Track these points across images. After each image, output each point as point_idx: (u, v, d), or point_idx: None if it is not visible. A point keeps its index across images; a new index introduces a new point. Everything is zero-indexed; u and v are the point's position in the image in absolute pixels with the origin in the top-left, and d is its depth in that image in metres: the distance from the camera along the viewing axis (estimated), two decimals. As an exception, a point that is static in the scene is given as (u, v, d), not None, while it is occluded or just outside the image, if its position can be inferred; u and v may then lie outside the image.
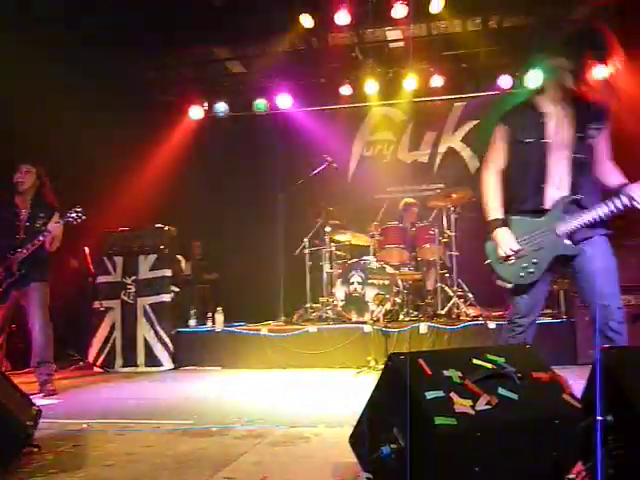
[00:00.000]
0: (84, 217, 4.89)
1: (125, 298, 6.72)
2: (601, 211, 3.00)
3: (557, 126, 3.12)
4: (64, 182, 5.49)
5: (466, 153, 8.83)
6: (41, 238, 4.85)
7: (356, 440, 2.38)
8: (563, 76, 3.06)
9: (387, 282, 6.63)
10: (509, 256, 3.16)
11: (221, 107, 8.91)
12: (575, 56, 3.01)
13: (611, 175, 3.12)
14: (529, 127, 3.15)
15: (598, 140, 3.09)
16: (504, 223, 3.20)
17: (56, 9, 6.58)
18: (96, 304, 6.77)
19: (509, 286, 3.23)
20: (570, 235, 3.08)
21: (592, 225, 3.03)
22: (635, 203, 2.92)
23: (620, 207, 2.96)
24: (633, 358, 2.29)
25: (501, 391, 2.17)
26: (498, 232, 3.18)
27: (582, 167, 3.09)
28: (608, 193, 3.06)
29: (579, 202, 3.08)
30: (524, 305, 3.24)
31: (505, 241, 3.15)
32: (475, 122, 8.81)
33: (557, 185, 3.12)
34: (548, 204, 3.12)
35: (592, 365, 2.25)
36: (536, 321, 3.31)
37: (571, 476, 2.26)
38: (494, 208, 3.23)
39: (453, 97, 8.85)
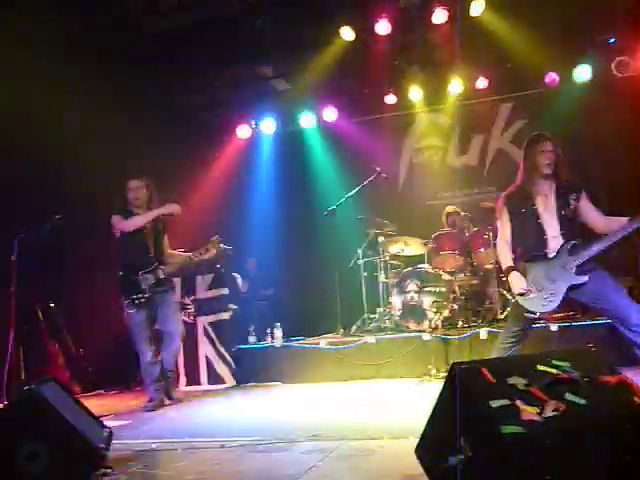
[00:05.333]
0: None
1: (185, 318, 6.85)
2: (602, 245, 3.93)
3: (544, 197, 4.19)
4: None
5: (516, 154, 8.67)
6: None
7: (422, 451, 2.37)
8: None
9: (444, 289, 6.57)
10: (523, 293, 4.05)
11: (268, 124, 9.02)
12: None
13: (611, 224, 4.03)
14: (523, 201, 4.23)
15: (581, 205, 4.12)
16: (514, 269, 4.14)
17: (104, 40, 6.83)
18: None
19: (535, 316, 4.10)
20: (577, 268, 3.97)
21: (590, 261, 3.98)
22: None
23: (622, 235, 3.88)
24: None
25: (568, 396, 2.13)
26: (510, 275, 4.14)
27: (570, 222, 4.11)
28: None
29: (577, 246, 4.03)
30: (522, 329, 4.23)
31: (516, 282, 4.09)
32: (524, 121, 8.66)
33: (554, 235, 4.11)
34: (551, 249, 4.09)
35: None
36: None
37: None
38: (506, 262, 4.23)
39: (499, 97, 8.73)
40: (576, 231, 4.15)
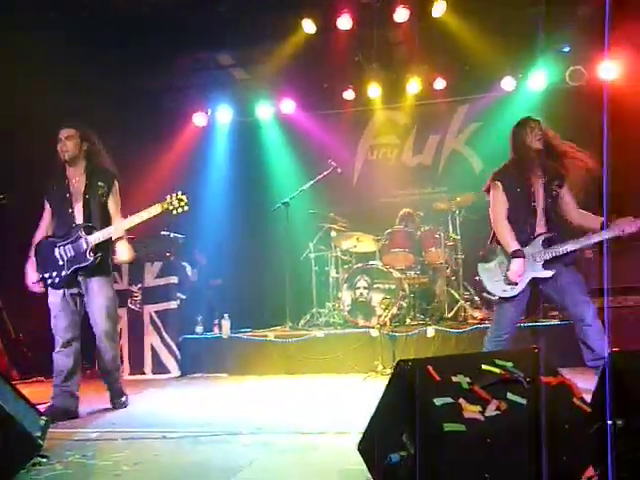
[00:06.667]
0: None
1: (131, 306, 6.73)
2: (577, 244, 4.06)
3: (537, 179, 4.20)
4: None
5: (470, 156, 8.81)
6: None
7: (365, 447, 2.37)
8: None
9: (393, 286, 6.63)
10: (516, 283, 4.10)
11: (225, 113, 8.93)
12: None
13: (586, 218, 4.18)
14: (519, 181, 4.21)
15: (561, 192, 4.20)
16: (523, 255, 4.09)
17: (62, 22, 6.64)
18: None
19: (494, 298, 4.26)
20: (545, 262, 4.10)
21: (561, 256, 4.10)
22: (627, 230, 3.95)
23: (603, 238, 4.01)
24: (642, 361, 2.27)
25: (510, 396, 2.16)
26: (517, 261, 4.09)
27: (554, 212, 4.18)
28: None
29: (552, 239, 4.14)
30: (509, 315, 4.25)
31: (518, 268, 4.08)
32: (479, 124, 8.78)
33: (541, 220, 4.18)
34: (534, 236, 4.16)
35: (601, 368, 2.24)
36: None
37: (582, 481, 2.25)
38: (512, 244, 4.15)
39: (456, 99, 8.83)
40: (556, 221, 4.23)
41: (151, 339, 6.62)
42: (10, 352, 6.58)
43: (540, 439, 2.06)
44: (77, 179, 4.47)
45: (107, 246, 4.46)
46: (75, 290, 4.44)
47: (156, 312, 6.67)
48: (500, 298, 4.23)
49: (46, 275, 4.40)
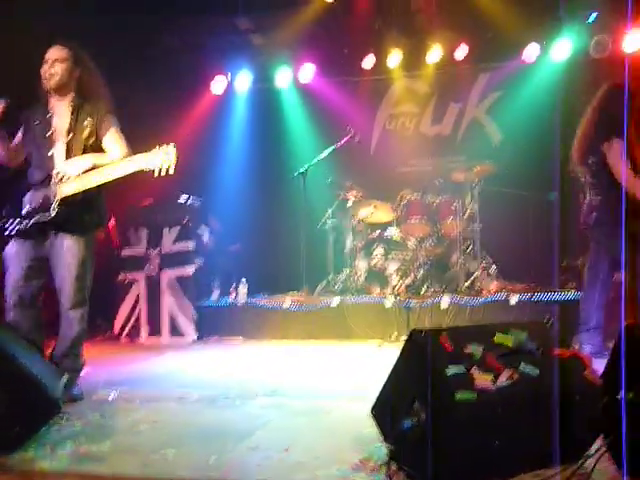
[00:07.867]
0: None
1: (149, 270, 6.81)
2: None
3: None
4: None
5: (490, 125, 8.70)
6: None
7: (378, 413, 2.42)
8: None
9: (409, 256, 6.64)
10: None
11: (243, 79, 8.88)
12: None
13: None
14: None
15: None
16: None
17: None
18: (121, 276, 6.87)
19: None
20: None
21: None
22: None
23: None
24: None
25: (522, 367, 2.19)
26: None
27: None
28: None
29: None
30: None
31: None
32: (500, 93, 8.63)
33: None
34: None
35: (614, 342, 2.25)
36: None
37: (591, 452, 2.28)
38: None
39: (477, 67, 8.68)
40: None
41: (169, 303, 6.70)
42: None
43: (551, 409, 2.09)
44: (62, 113, 3.61)
45: (92, 199, 3.56)
46: (42, 250, 3.58)
47: (174, 277, 6.75)
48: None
49: (6, 222, 3.54)
